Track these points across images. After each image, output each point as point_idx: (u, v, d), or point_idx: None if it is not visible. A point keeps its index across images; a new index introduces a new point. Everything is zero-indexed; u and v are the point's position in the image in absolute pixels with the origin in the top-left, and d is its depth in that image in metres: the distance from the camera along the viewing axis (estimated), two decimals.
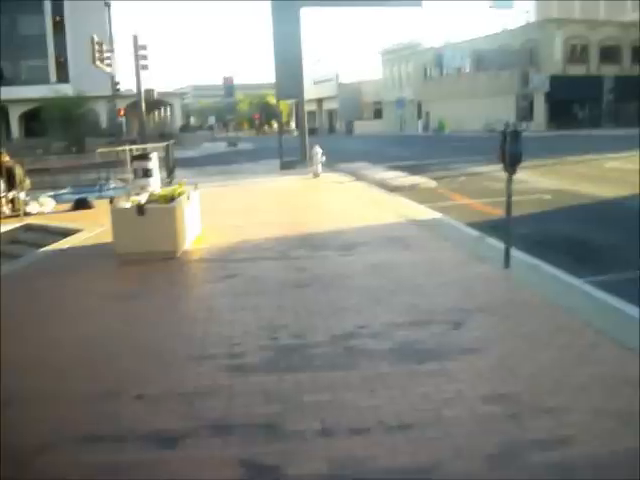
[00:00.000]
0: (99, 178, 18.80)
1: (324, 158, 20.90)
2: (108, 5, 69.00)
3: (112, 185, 19.45)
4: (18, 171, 14.52)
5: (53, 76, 63.78)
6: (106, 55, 34.98)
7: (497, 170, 21.16)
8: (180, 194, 9.74)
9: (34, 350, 5.47)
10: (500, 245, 8.86)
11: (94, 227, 11.48)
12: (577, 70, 55.18)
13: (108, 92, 48.71)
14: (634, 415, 3.80)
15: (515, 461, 3.44)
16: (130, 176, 17.48)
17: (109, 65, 36.12)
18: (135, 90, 37.15)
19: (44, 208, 15.05)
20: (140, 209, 8.71)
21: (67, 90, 55.64)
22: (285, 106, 72.39)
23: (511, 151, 7.03)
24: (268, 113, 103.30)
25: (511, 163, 7.13)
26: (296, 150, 25.27)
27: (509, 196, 7.41)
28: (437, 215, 11.97)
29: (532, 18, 66.91)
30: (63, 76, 63.02)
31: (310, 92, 65.35)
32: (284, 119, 73.66)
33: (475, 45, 60.81)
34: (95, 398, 4.43)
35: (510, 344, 5.08)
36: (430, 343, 5.17)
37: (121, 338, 5.71)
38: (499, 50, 57.20)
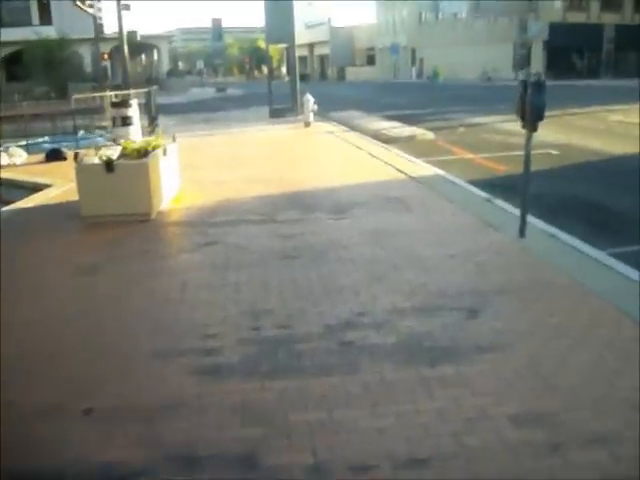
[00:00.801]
0: (75, 126, 17.55)
1: (316, 106, 19.77)
2: None
3: (91, 135, 18.26)
4: None
5: (36, 18, 61.33)
6: None
7: (497, 121, 20.41)
8: (156, 147, 8.74)
9: None
10: (511, 209, 8.04)
11: (64, 182, 10.47)
12: (577, 18, 53.40)
13: (92, 35, 46.80)
14: None
15: None
16: (109, 124, 16.40)
17: (90, 6, 34.53)
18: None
19: (14, 159, 13.99)
20: (109, 165, 7.71)
21: (50, 32, 53.58)
22: (276, 51, 70.27)
23: (534, 104, 6.07)
24: (259, 58, 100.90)
25: (533, 119, 6.17)
26: (287, 97, 24.05)
27: (527, 156, 6.48)
28: (438, 171, 11.02)
29: None
30: (46, 18, 60.61)
31: (302, 37, 63.53)
32: (275, 64, 71.76)
33: None
34: (29, 414, 3.56)
35: (539, 340, 4.21)
36: (442, 338, 4.30)
37: (71, 326, 4.80)
38: None
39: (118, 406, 3.61)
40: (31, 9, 61.70)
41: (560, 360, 3.93)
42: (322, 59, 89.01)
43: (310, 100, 19.49)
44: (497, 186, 9.81)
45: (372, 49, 79.71)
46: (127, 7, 28.55)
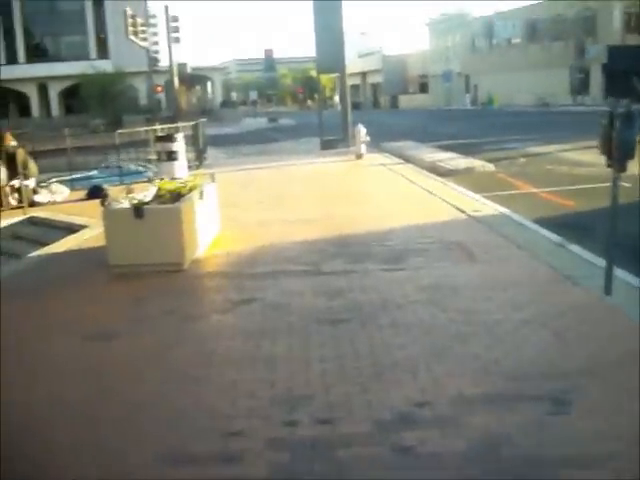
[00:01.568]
0: (120, 161, 17.02)
1: (368, 137, 18.97)
2: None
3: (136, 169, 17.76)
4: (20, 156, 12.90)
5: (93, 52, 62.71)
6: (141, 29, 33.53)
7: (560, 150, 19.23)
8: (193, 189, 8.05)
9: None
10: (588, 255, 7.05)
11: (100, 223, 9.88)
12: (636, 40, 51.59)
13: (147, 68, 47.42)
14: None
15: None
16: (153, 158, 15.95)
17: (144, 39, 34.67)
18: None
19: (56, 197, 13.57)
20: (138, 211, 7.02)
21: (107, 66, 54.73)
22: (329, 80, 70.16)
23: (623, 140, 5.11)
24: (311, 87, 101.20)
25: (622, 157, 5.21)
26: (339, 127, 23.38)
27: (614, 199, 5.51)
28: (501, 209, 10.05)
29: None
30: (103, 52, 61.90)
31: (354, 65, 63.28)
32: (328, 93, 71.67)
33: (527, 14, 57.54)
34: None
35: None
36: (523, 443, 3.37)
37: (68, 414, 4.00)
38: (553, 19, 53.88)
39: None
40: (89, 43, 63.18)
41: None
42: (375, 87, 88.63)
43: (362, 131, 18.72)
44: (568, 226, 8.86)
45: (425, 76, 78.84)
46: (177, 40, 28.51)
